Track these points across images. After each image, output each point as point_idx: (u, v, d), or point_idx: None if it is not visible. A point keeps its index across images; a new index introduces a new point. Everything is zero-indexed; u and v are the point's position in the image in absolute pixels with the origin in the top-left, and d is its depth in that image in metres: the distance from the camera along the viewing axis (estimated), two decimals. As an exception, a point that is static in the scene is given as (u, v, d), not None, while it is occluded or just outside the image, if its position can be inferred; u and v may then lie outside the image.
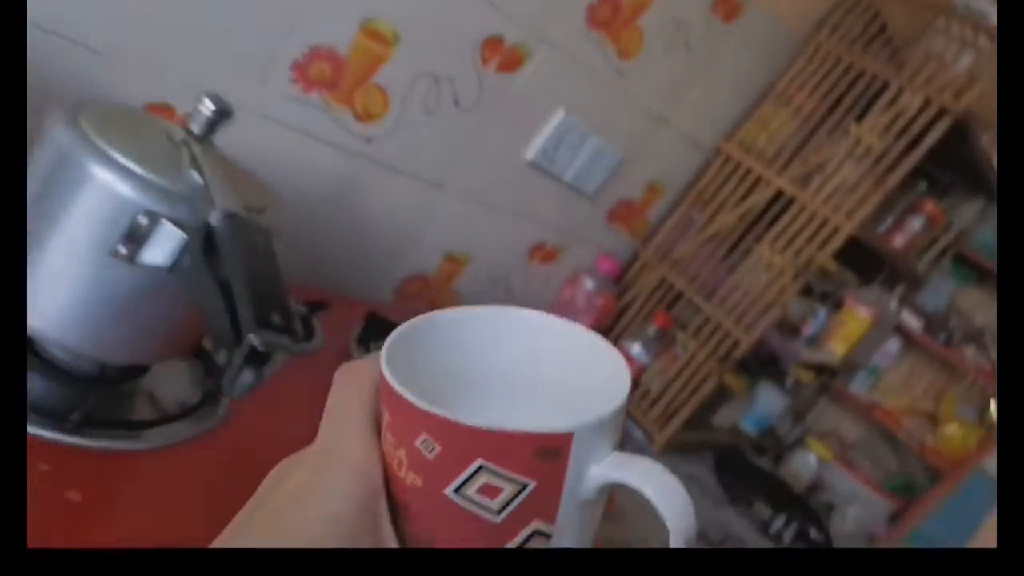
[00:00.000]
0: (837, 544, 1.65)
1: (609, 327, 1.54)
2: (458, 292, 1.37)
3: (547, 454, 0.26)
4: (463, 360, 0.32)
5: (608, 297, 1.45)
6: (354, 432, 0.28)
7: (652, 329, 1.43)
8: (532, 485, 0.26)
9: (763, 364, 1.84)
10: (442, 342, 0.32)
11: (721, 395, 1.60)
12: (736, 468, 1.73)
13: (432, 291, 1.33)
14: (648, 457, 0.27)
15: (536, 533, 0.27)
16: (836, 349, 1.76)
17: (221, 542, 0.26)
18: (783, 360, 1.72)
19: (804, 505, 1.74)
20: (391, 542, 0.27)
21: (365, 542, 0.26)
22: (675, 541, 0.26)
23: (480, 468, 0.25)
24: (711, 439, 1.64)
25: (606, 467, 0.27)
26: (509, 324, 0.33)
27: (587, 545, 0.29)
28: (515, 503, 0.26)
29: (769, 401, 1.74)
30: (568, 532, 0.27)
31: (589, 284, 1.43)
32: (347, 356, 0.95)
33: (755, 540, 1.47)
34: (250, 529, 0.26)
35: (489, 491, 0.26)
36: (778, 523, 1.50)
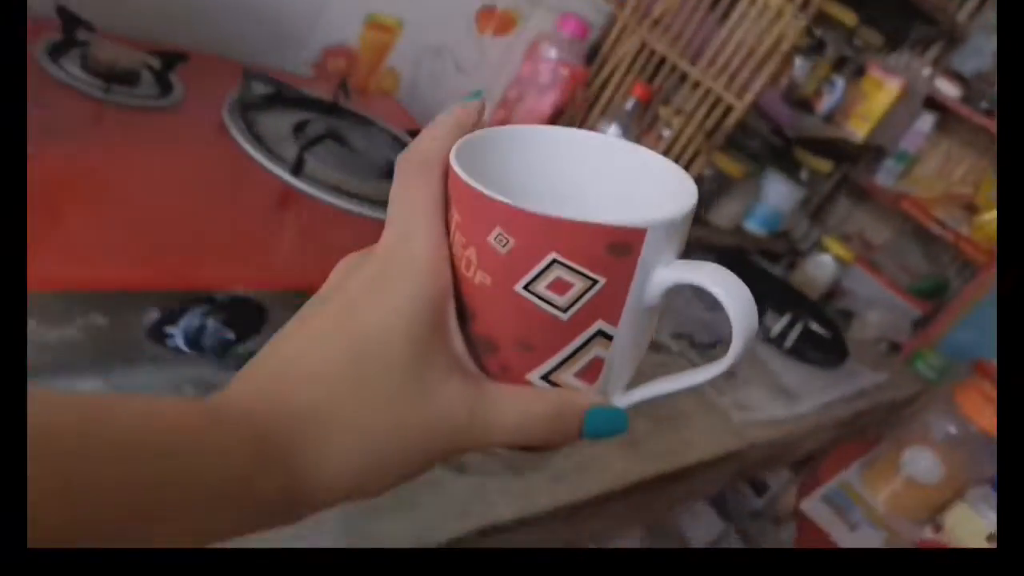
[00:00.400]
0: (854, 351, 1.48)
1: (585, 113, 1.32)
2: (395, 70, 1.16)
3: (619, 249, 0.26)
4: (521, 177, 0.31)
5: (576, 67, 1.21)
6: (422, 230, 0.27)
7: (630, 103, 1.20)
8: (602, 282, 0.26)
9: (773, 153, 1.61)
10: (501, 157, 0.30)
11: (720, 186, 1.39)
12: (740, 271, 1.54)
13: (361, 68, 1.11)
14: (714, 263, 0.27)
15: (599, 333, 0.27)
16: (857, 128, 1.51)
17: (289, 328, 0.27)
18: (793, 143, 1.49)
19: (816, 309, 1.56)
20: (456, 341, 0.28)
21: (432, 339, 0.26)
22: (737, 332, 0.27)
23: (553, 262, 0.25)
24: (710, 238, 1.45)
25: (673, 269, 0.27)
26: (570, 143, 0.32)
27: (642, 352, 0.30)
28: (583, 300, 0.26)
29: (779, 195, 1.53)
30: (628, 335, 0.28)
31: (551, 53, 1.19)
32: (219, 121, 0.77)
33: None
34: (321, 311, 0.27)
35: (559, 287, 0.26)
36: (781, 323, 1.32)
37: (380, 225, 0.29)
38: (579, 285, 0.26)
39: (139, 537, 0.20)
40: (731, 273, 0.27)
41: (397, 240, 0.28)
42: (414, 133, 0.90)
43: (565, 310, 0.26)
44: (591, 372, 0.28)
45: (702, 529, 1.90)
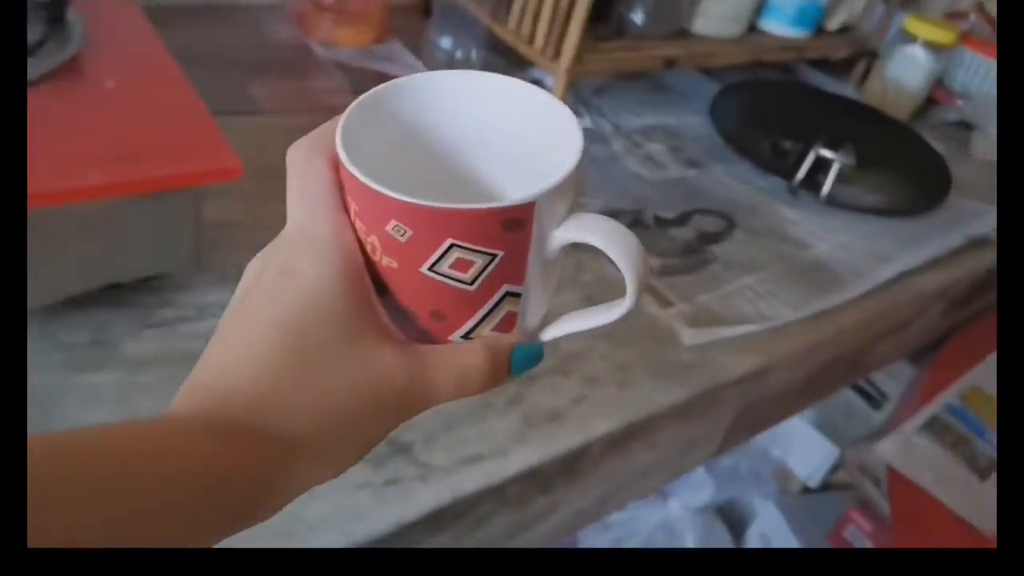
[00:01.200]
0: (970, 180, 0.95)
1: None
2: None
3: (512, 225, 0.26)
4: (414, 135, 0.32)
5: None
6: (322, 215, 0.27)
7: None
8: (500, 255, 0.27)
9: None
10: (391, 119, 0.31)
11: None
12: (753, 96, 1.04)
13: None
14: (603, 216, 0.28)
15: (507, 294, 0.29)
16: None
17: (216, 336, 0.27)
18: None
19: (897, 129, 1.03)
20: (380, 313, 0.28)
21: (355, 314, 0.27)
22: (630, 281, 0.28)
23: (451, 246, 0.26)
24: (706, 56, 0.95)
25: (565, 229, 0.28)
26: (461, 88, 0.32)
27: (551, 295, 0.32)
28: (486, 272, 0.28)
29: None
30: (535, 289, 0.30)
31: None
32: None
33: (744, 193, 0.82)
34: (242, 309, 0.27)
35: (461, 265, 0.27)
36: (806, 164, 0.82)
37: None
38: (480, 261, 0.27)
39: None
40: (617, 223, 0.28)
41: (300, 228, 0.27)
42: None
43: (471, 283, 0.28)
44: (506, 325, 0.30)
45: (807, 460, 1.44)
